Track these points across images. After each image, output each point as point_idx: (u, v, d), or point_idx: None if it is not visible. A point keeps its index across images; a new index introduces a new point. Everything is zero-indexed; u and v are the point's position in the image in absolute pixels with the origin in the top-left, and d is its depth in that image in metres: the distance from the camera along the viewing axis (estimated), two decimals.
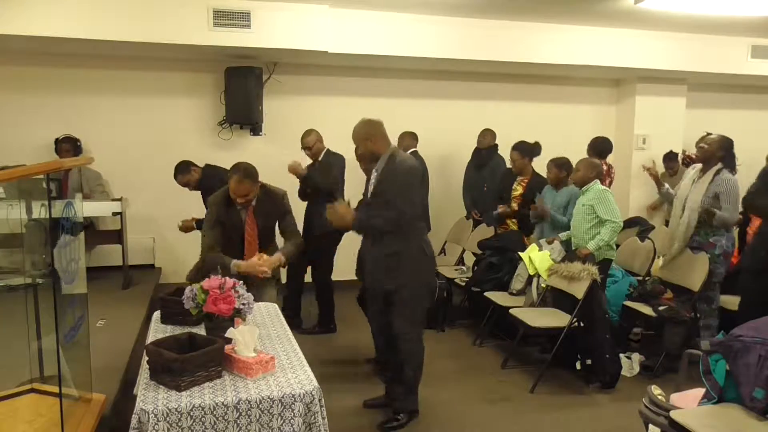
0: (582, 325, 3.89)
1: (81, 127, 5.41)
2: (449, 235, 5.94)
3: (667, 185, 4.50)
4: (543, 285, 4.28)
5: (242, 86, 5.47)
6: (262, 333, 2.85)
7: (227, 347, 2.41)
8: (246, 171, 3.58)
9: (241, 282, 2.73)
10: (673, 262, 4.20)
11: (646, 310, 4.13)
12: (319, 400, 2.27)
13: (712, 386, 2.47)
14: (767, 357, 2.27)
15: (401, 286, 3.19)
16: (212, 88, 5.74)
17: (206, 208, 3.84)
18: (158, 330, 2.89)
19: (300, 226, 4.14)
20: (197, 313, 2.64)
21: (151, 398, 2.14)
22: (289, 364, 2.48)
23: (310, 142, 4.90)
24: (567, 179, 4.63)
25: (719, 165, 3.89)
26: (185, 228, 4.64)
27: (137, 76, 5.61)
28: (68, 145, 5.16)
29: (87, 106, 5.51)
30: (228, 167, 4.84)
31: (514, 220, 5.09)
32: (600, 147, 5.39)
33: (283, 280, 4.56)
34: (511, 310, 4.10)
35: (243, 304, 2.66)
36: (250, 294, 2.71)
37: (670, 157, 6.31)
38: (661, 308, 4.04)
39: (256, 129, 5.79)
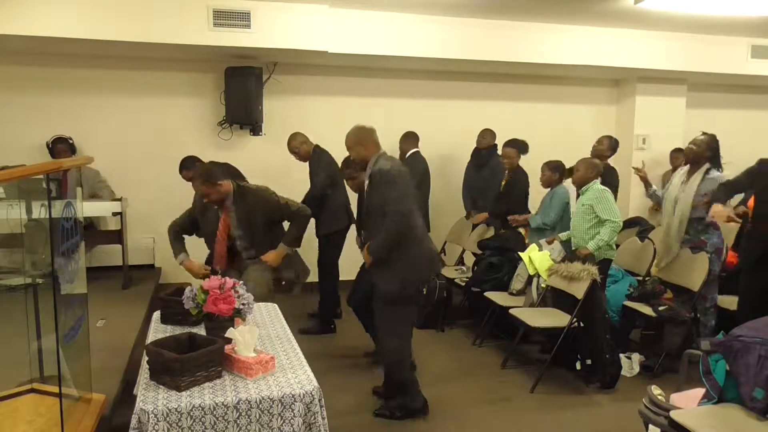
0: (582, 325, 3.89)
1: (80, 127, 5.41)
2: (449, 235, 5.94)
3: (654, 187, 4.59)
4: (543, 285, 4.28)
5: (242, 86, 5.46)
6: (262, 333, 2.85)
7: (227, 347, 2.41)
8: (200, 173, 3.70)
9: (241, 282, 2.73)
10: (673, 262, 4.21)
11: (646, 310, 4.12)
12: (319, 400, 2.27)
13: (712, 386, 2.47)
14: (767, 357, 2.27)
15: (384, 280, 3.23)
16: (212, 88, 5.74)
17: None
18: (158, 330, 2.90)
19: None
20: (197, 313, 2.64)
21: (151, 398, 2.14)
22: (289, 364, 2.49)
23: (296, 146, 4.95)
24: (560, 181, 4.74)
25: (707, 165, 4.00)
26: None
27: (137, 76, 5.61)
28: (64, 146, 5.15)
29: (87, 106, 5.50)
30: (233, 166, 4.94)
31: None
32: (615, 145, 5.48)
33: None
34: (511, 310, 4.10)
35: (243, 304, 2.66)
36: (250, 294, 2.72)
37: (677, 156, 6.31)
38: (661, 308, 4.04)
39: (256, 129, 5.79)
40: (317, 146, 5.00)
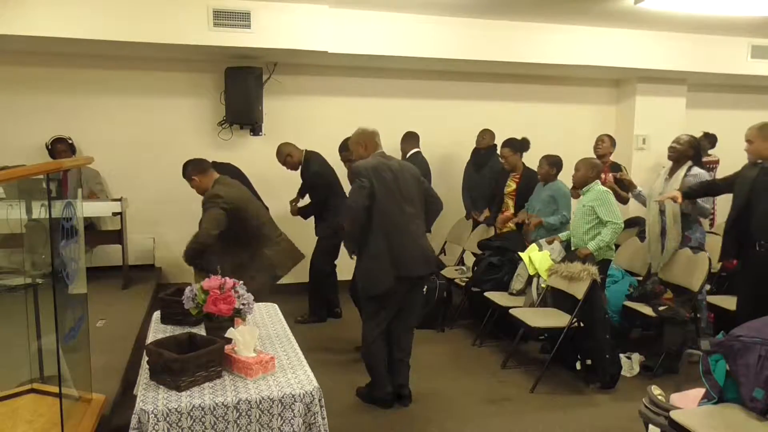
0: (582, 325, 3.89)
1: (80, 127, 5.41)
2: (449, 235, 5.95)
3: (639, 188, 4.71)
4: (543, 285, 4.28)
5: (242, 86, 5.46)
6: (262, 333, 2.85)
7: (227, 347, 2.41)
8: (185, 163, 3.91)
9: (241, 282, 2.73)
10: (674, 261, 4.22)
11: (646, 310, 4.12)
12: (319, 400, 2.27)
13: (712, 386, 2.47)
14: (767, 357, 2.27)
15: (357, 273, 3.52)
16: (212, 88, 5.74)
17: None
18: (158, 330, 2.90)
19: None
20: (197, 313, 2.64)
21: (151, 398, 2.14)
22: (289, 364, 2.49)
23: (281, 158, 5.07)
24: (556, 176, 4.77)
25: (690, 162, 4.17)
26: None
27: (137, 76, 5.60)
28: (64, 146, 5.15)
29: (87, 106, 5.50)
30: (235, 166, 4.98)
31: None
32: (614, 143, 5.53)
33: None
34: (511, 310, 4.10)
35: (243, 304, 2.66)
36: (250, 294, 2.72)
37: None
38: (661, 308, 4.04)
39: (256, 129, 5.79)
40: (308, 152, 5.06)
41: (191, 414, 2.09)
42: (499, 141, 5.47)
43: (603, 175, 4.74)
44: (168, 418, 2.07)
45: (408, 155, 5.49)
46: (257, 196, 4.63)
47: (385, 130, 5.56)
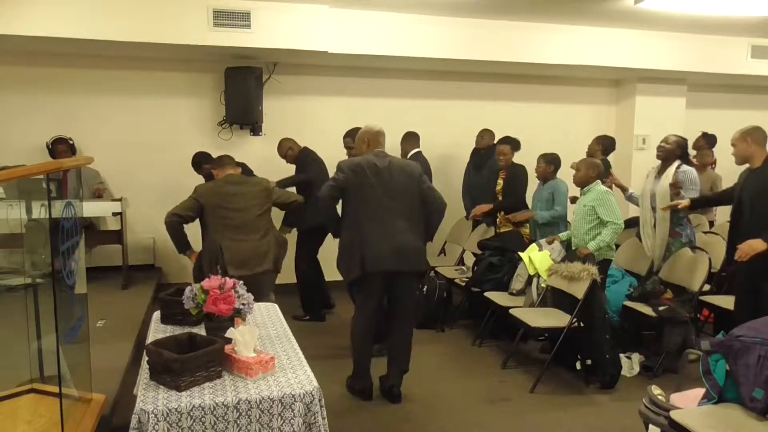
0: (582, 325, 3.89)
1: (81, 127, 5.41)
2: (449, 235, 5.94)
3: (630, 190, 4.75)
4: (543, 285, 4.28)
5: (242, 86, 5.46)
6: (262, 333, 2.85)
7: (227, 347, 2.41)
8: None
9: (241, 282, 2.73)
10: (674, 261, 4.22)
11: (646, 310, 4.12)
12: (319, 400, 2.27)
13: (712, 386, 2.47)
14: (767, 357, 2.27)
15: None
16: (212, 88, 5.74)
17: None
18: (158, 330, 2.90)
19: None
20: (197, 313, 2.64)
21: (151, 398, 2.14)
22: (289, 364, 2.49)
23: (282, 151, 5.15)
24: (554, 174, 4.82)
25: (678, 161, 4.25)
26: None
27: (137, 76, 5.61)
28: (64, 146, 5.16)
29: (87, 106, 5.50)
30: (246, 166, 5.02)
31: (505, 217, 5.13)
32: (608, 144, 5.51)
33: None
34: (511, 310, 4.10)
35: (243, 304, 2.66)
36: (250, 294, 2.72)
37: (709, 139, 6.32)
38: (661, 308, 4.04)
39: (256, 129, 5.79)
40: (305, 148, 5.13)
41: (191, 414, 2.09)
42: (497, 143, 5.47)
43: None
44: (168, 418, 2.07)
45: (409, 155, 5.49)
46: None
47: (385, 130, 5.54)
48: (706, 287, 4.32)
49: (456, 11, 5.32)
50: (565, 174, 4.82)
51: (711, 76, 6.44)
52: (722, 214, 6.42)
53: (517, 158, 5.21)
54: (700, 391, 2.55)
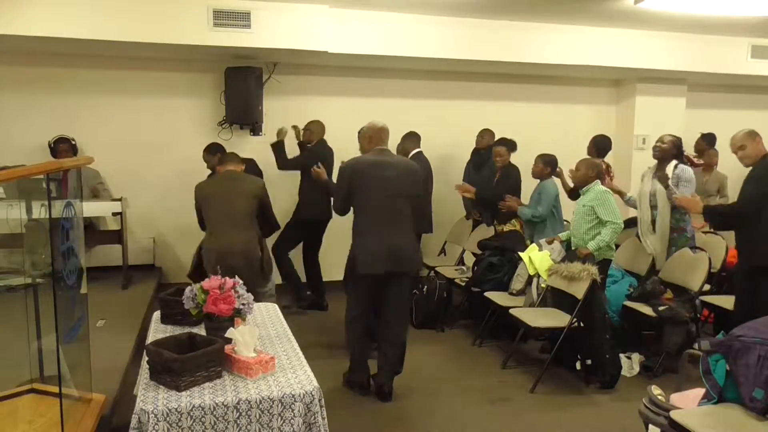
0: (582, 325, 3.89)
1: (81, 128, 5.41)
2: (449, 235, 5.94)
3: (629, 194, 4.78)
4: (543, 285, 4.28)
5: (242, 86, 5.46)
6: (262, 333, 2.85)
7: (227, 347, 2.41)
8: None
9: (241, 282, 2.73)
10: (674, 261, 4.22)
11: (646, 310, 4.12)
12: (319, 400, 2.27)
13: (712, 386, 2.47)
14: (767, 357, 2.27)
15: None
16: (212, 88, 5.74)
17: None
18: (158, 330, 2.90)
19: None
20: (197, 313, 2.64)
21: (151, 398, 2.14)
22: (289, 364, 2.49)
23: (311, 126, 5.26)
24: (550, 175, 4.84)
25: (674, 161, 4.29)
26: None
27: (137, 76, 5.61)
28: (66, 146, 5.16)
29: (87, 106, 5.50)
30: (255, 164, 5.12)
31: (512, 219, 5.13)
32: (602, 144, 5.46)
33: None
34: (511, 310, 4.10)
35: (243, 304, 2.66)
36: (250, 294, 2.72)
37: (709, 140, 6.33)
38: (661, 308, 4.04)
39: (256, 129, 5.79)
40: (323, 140, 5.24)
41: (191, 414, 2.09)
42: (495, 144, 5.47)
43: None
44: (168, 418, 2.07)
45: (409, 155, 5.49)
46: None
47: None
48: (706, 287, 4.32)
49: (456, 11, 5.32)
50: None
51: (711, 76, 6.44)
52: None
53: (517, 158, 5.22)
54: (700, 391, 2.55)
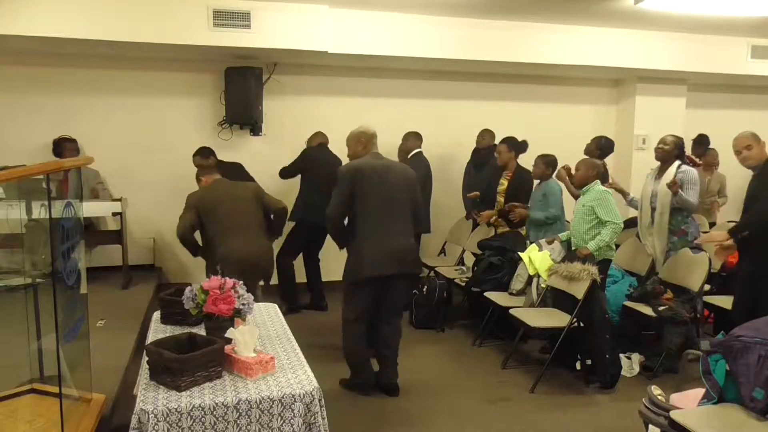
0: (582, 325, 3.89)
1: (81, 127, 5.41)
2: (449, 235, 5.95)
3: (632, 195, 4.77)
4: (543, 285, 4.28)
5: (242, 86, 5.46)
6: (262, 333, 2.85)
7: (227, 347, 2.41)
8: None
9: (241, 282, 2.73)
10: (674, 261, 4.22)
11: (646, 310, 4.12)
12: (319, 400, 2.27)
13: (712, 386, 2.47)
14: (767, 357, 2.27)
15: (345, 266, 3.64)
16: (212, 88, 5.74)
17: None
18: (158, 330, 2.90)
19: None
20: (197, 313, 2.64)
21: (151, 398, 2.14)
22: (289, 364, 2.49)
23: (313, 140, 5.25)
24: (551, 176, 4.82)
25: (677, 162, 4.27)
26: None
27: (137, 76, 5.61)
28: (72, 145, 5.19)
29: (87, 106, 5.50)
30: (242, 168, 5.05)
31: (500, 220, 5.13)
32: (606, 146, 5.47)
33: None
34: (511, 311, 4.10)
35: (243, 304, 2.66)
36: (250, 294, 2.72)
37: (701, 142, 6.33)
38: (661, 308, 4.04)
39: (255, 129, 5.79)
40: (321, 144, 5.22)
41: (191, 414, 2.09)
42: (498, 141, 5.47)
43: None
44: (168, 418, 2.07)
45: (409, 155, 5.49)
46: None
47: (385, 130, 5.54)
48: (706, 287, 4.32)
49: (456, 11, 5.32)
50: None
51: (711, 76, 6.44)
52: (723, 215, 6.43)
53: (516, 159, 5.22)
54: (700, 391, 2.55)
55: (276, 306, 3.37)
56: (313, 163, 5.11)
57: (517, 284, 4.53)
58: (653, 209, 4.32)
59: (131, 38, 4.74)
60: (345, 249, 3.67)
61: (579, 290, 3.86)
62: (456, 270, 5.42)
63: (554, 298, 4.21)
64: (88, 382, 2.79)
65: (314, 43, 5.12)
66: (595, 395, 3.80)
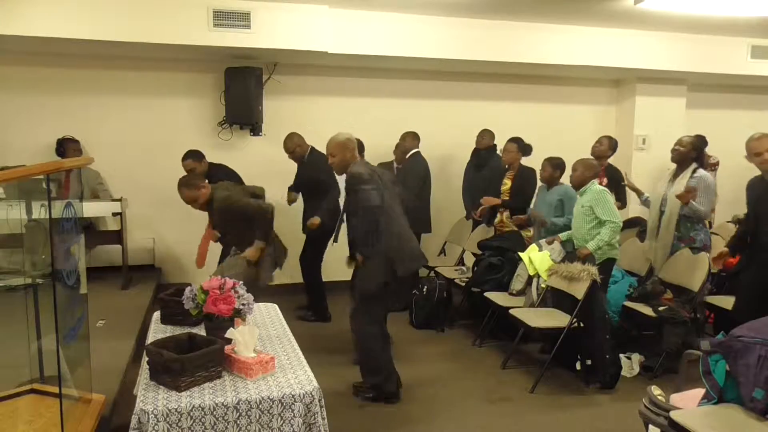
0: (582, 325, 3.89)
1: (81, 128, 5.41)
2: (449, 235, 5.95)
3: (646, 194, 4.68)
4: (543, 285, 4.28)
5: (242, 86, 5.46)
6: (262, 333, 2.85)
7: (227, 347, 2.41)
8: (181, 181, 3.88)
9: (241, 282, 2.73)
10: (674, 262, 4.22)
11: (646, 310, 4.13)
12: (319, 400, 2.27)
13: (712, 386, 2.47)
14: (767, 357, 2.27)
15: (360, 278, 3.54)
16: (212, 88, 5.74)
17: None
18: (158, 330, 2.90)
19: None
20: (197, 314, 2.64)
21: (151, 398, 2.14)
22: (289, 364, 2.49)
23: (291, 147, 5.08)
24: (560, 179, 4.74)
25: (694, 165, 4.19)
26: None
27: (137, 76, 5.60)
28: (76, 145, 5.20)
29: (87, 106, 5.50)
30: (229, 167, 5.00)
31: (509, 217, 5.11)
32: (615, 145, 5.47)
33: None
34: (511, 311, 4.10)
35: (243, 304, 2.66)
36: (250, 294, 2.72)
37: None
38: (661, 308, 4.04)
39: (255, 129, 5.79)
40: (313, 148, 5.10)
41: (191, 414, 2.10)
42: (499, 141, 5.48)
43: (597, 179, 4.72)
44: (168, 418, 2.07)
45: (408, 155, 5.49)
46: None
47: (385, 130, 5.58)
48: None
49: (456, 11, 5.32)
50: (567, 175, 4.79)
51: (711, 76, 6.43)
52: (721, 214, 6.43)
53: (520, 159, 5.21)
54: (700, 392, 2.54)
55: (276, 306, 3.37)
56: (311, 172, 5.07)
57: (517, 284, 4.53)
58: (662, 212, 4.28)
59: (131, 38, 4.74)
60: (350, 256, 3.63)
61: (579, 290, 3.86)
62: (456, 270, 5.42)
63: (554, 298, 4.21)
64: (88, 382, 2.79)
65: (314, 43, 5.12)
66: (595, 395, 3.80)
